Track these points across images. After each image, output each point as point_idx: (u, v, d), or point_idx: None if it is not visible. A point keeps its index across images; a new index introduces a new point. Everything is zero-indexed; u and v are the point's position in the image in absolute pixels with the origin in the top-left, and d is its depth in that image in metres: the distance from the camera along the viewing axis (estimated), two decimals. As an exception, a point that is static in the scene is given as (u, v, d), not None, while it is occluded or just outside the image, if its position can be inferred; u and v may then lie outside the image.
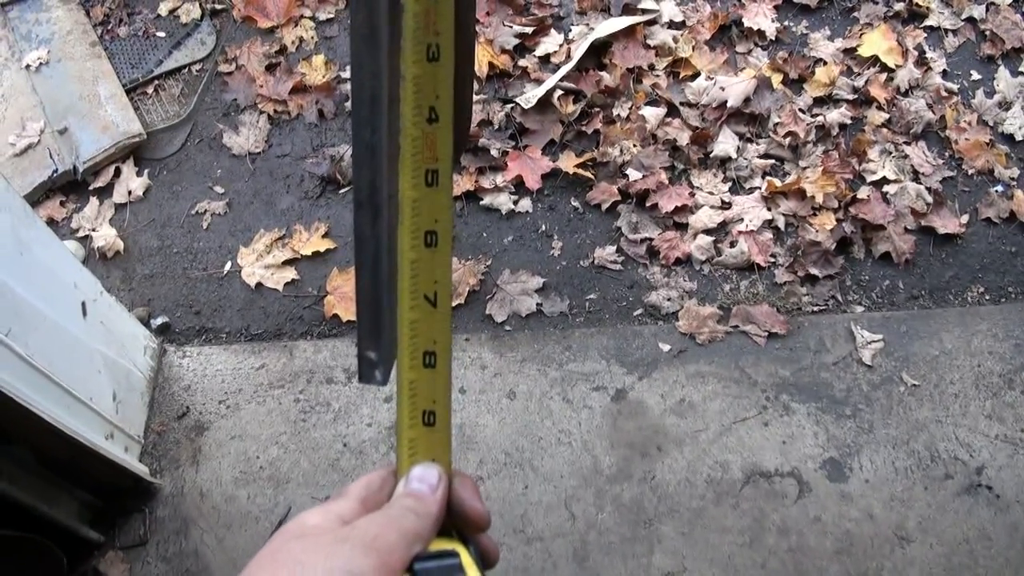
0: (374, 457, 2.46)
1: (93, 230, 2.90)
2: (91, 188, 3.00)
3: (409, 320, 0.65)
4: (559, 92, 3.09)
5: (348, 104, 3.14)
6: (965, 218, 2.97)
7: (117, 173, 3.03)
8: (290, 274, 2.81)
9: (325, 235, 2.88)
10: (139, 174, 3.04)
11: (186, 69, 3.33)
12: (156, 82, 3.29)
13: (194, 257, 2.87)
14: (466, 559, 0.62)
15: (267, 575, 0.55)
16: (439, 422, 0.67)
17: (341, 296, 2.74)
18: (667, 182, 2.93)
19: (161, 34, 3.41)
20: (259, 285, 2.80)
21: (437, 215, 0.64)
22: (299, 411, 2.54)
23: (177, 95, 3.26)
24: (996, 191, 3.03)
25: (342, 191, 2.98)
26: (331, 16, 3.40)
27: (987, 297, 2.86)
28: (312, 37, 3.36)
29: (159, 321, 2.72)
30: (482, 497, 0.68)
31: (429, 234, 0.64)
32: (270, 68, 3.28)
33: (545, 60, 3.25)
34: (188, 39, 3.40)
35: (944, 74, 3.27)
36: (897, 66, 3.24)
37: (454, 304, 2.70)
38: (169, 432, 2.50)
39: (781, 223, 2.90)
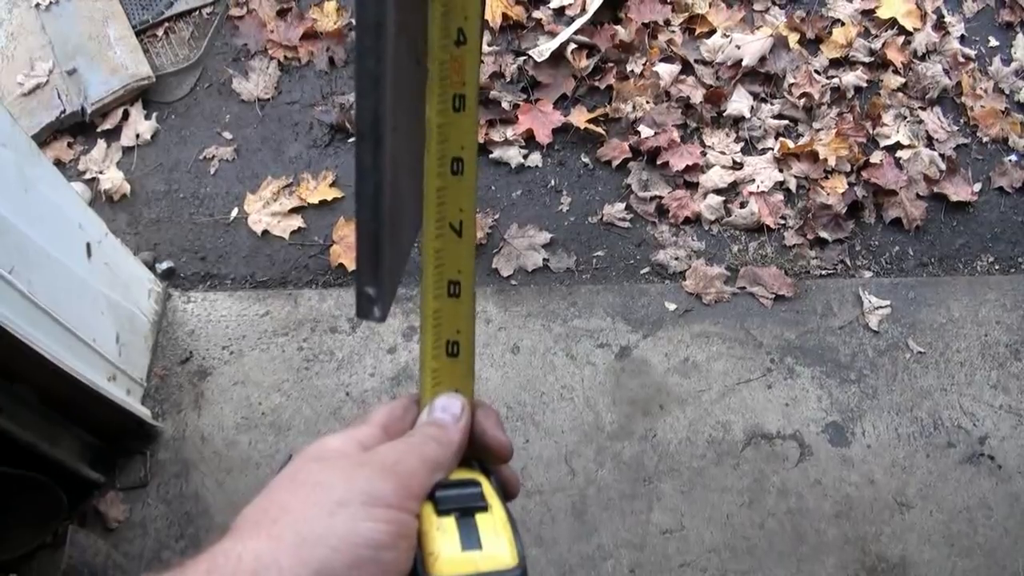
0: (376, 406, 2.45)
1: (100, 172, 2.89)
2: (99, 130, 2.98)
3: (434, 249, 0.65)
4: (573, 46, 3.07)
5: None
6: (978, 186, 2.97)
7: (125, 116, 3.01)
8: (296, 222, 2.80)
9: (333, 184, 2.87)
10: (147, 117, 3.02)
11: (196, 12, 3.29)
12: (166, 24, 3.25)
13: (201, 202, 2.87)
14: (487, 489, 0.63)
15: (287, 495, 0.55)
16: (463, 352, 0.68)
17: (347, 245, 2.73)
18: (679, 140, 2.92)
19: (172, -26, 3.38)
20: (265, 232, 2.79)
21: (463, 141, 0.63)
22: (302, 359, 2.55)
23: (187, 38, 3.22)
24: (1010, 160, 3.03)
25: (351, 140, 2.95)
26: (344, -38, 3.36)
27: (996, 267, 2.87)
28: (325, -17, 3.32)
29: (164, 265, 2.72)
30: (504, 428, 0.68)
31: (455, 161, 0.63)
32: (281, 13, 3.23)
33: (560, 12, 3.22)
34: (199, -19, 3.36)
35: (962, 39, 3.25)
36: (915, 29, 3.22)
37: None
38: (172, 376, 2.51)
39: (792, 185, 2.90)
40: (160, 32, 3.23)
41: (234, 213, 2.84)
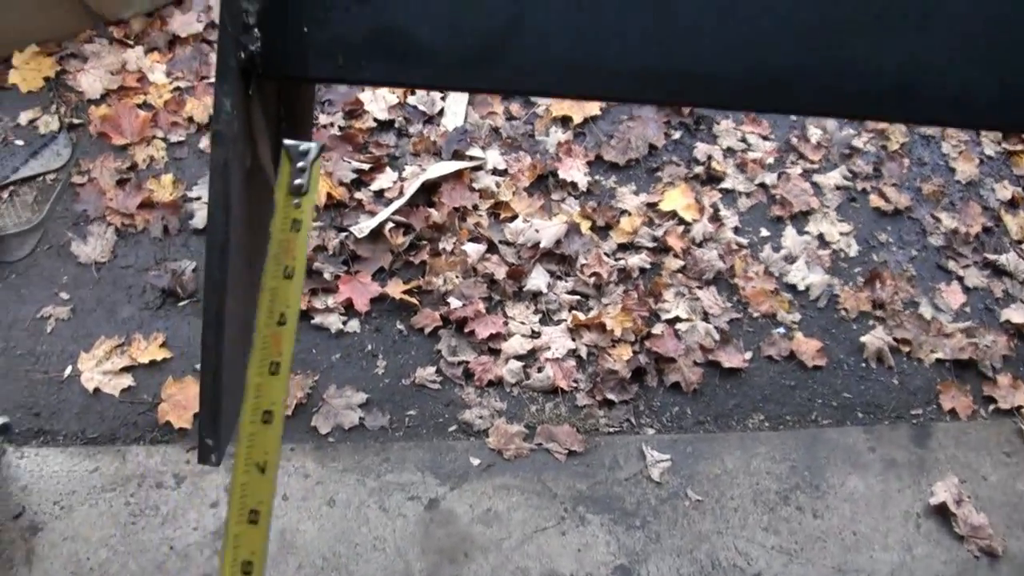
0: (199, 560, 2.53)
1: (-65, 332, 2.93)
2: (-65, 289, 3.02)
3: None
4: (391, 224, 3.27)
5: (192, 221, 3.28)
6: (749, 354, 3.23)
7: (-35, 276, 3.06)
8: (127, 381, 2.89)
9: (163, 345, 2.98)
10: (-14, 277, 3.08)
11: (41, 178, 3.40)
12: (11, 188, 3.36)
13: (36, 360, 2.93)
14: None
15: None
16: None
17: (174, 404, 2.83)
18: (484, 311, 3.14)
19: (19, 142, 3.48)
20: (97, 390, 2.87)
21: (274, 398, 0.77)
22: (129, 514, 2.59)
23: (31, 202, 3.33)
24: (778, 333, 3.31)
25: (181, 303, 3.10)
26: (182, 139, 3.54)
27: (766, 424, 3.10)
28: (163, 156, 3.48)
29: (-1, 422, 2.76)
30: None
31: (265, 413, 0.77)
32: (121, 183, 3.37)
33: (379, 194, 3.42)
34: (45, 149, 3.47)
35: (736, 230, 3.56)
36: (694, 220, 3.51)
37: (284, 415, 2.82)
38: (4, 532, 2.52)
39: (584, 352, 3.11)
40: (5, 195, 3.32)
41: (68, 371, 2.91)
